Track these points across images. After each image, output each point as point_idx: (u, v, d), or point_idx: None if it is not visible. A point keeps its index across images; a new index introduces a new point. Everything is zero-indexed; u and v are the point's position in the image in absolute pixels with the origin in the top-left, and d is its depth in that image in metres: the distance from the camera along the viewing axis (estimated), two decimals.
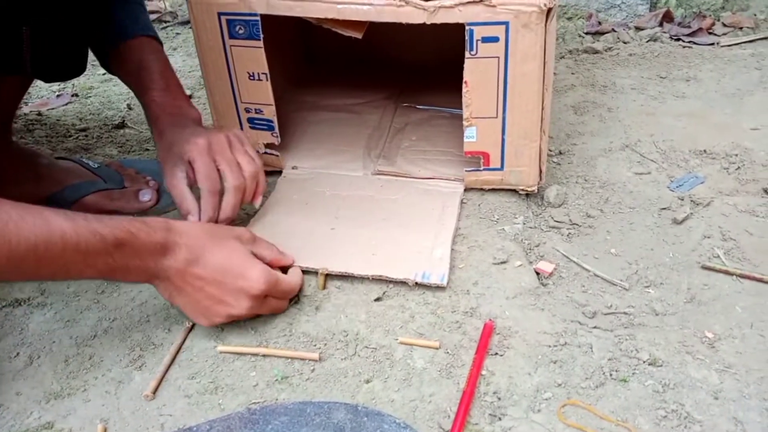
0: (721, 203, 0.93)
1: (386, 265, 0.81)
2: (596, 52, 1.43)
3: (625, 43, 1.47)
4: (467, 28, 0.84)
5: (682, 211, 0.91)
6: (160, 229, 0.67)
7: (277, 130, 0.98)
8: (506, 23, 0.84)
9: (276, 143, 1.00)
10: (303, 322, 0.75)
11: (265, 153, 1.01)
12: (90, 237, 0.62)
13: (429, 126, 1.12)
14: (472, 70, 0.87)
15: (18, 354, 0.73)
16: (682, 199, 0.94)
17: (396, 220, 0.91)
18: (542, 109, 0.89)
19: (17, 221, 0.58)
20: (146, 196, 0.95)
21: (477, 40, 0.85)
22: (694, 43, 1.45)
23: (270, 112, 0.97)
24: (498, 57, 0.86)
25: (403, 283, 0.79)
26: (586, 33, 1.51)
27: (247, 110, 0.98)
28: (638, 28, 1.50)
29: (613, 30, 1.50)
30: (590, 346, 0.70)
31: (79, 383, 0.69)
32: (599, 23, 1.52)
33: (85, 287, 0.82)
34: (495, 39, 0.85)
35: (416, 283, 0.78)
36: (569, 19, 1.57)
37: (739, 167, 1.01)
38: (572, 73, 1.35)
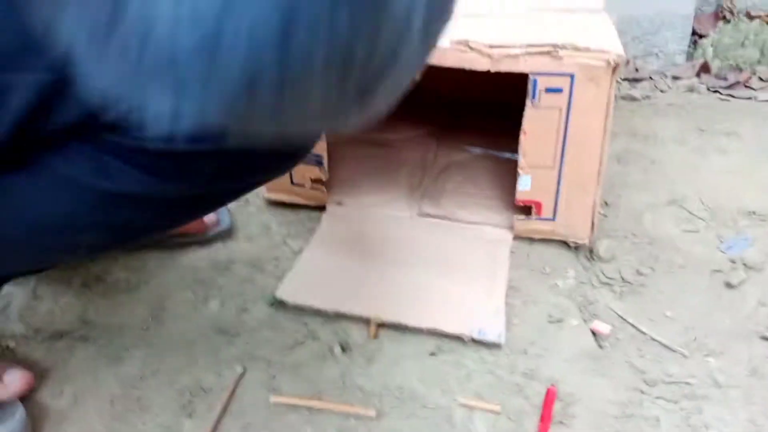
0: None
1: (440, 317, 0.79)
2: (634, 99, 1.42)
3: (662, 91, 1.46)
4: (531, 78, 0.83)
5: (735, 276, 0.89)
6: None
7: (325, 165, 0.97)
8: (572, 75, 0.83)
9: (324, 178, 0.98)
10: (356, 375, 0.73)
11: (312, 188, 0.99)
12: None
13: (473, 167, 1.11)
14: (532, 119, 0.86)
15: (62, 392, 0.70)
16: (734, 262, 0.93)
17: (446, 267, 0.89)
18: (600, 163, 0.88)
19: None
20: (211, 219, 0.93)
21: (540, 91, 0.84)
22: (732, 96, 1.44)
23: (320, 147, 0.95)
24: (560, 108, 0.85)
25: (457, 337, 0.77)
26: (624, 79, 1.51)
27: None
28: (675, 78, 1.49)
29: (651, 78, 1.50)
30: (657, 419, 0.68)
31: (128, 429, 0.66)
32: (637, 70, 1.51)
33: (129, 321, 0.79)
34: (558, 90, 0.84)
35: (472, 339, 0.76)
36: None
37: None
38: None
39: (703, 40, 1.56)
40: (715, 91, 1.46)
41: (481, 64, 0.83)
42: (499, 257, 0.91)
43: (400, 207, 1.01)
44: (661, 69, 1.53)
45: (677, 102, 1.42)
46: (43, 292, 0.83)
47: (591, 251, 0.94)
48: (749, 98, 1.44)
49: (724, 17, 1.59)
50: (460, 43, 0.83)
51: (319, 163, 0.97)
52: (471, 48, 0.83)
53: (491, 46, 0.83)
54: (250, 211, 1.02)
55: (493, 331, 0.77)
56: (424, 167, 1.11)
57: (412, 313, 0.79)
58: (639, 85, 1.50)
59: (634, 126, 1.31)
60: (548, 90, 0.84)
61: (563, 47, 0.82)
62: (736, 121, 1.34)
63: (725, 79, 1.49)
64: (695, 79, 1.49)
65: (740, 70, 1.52)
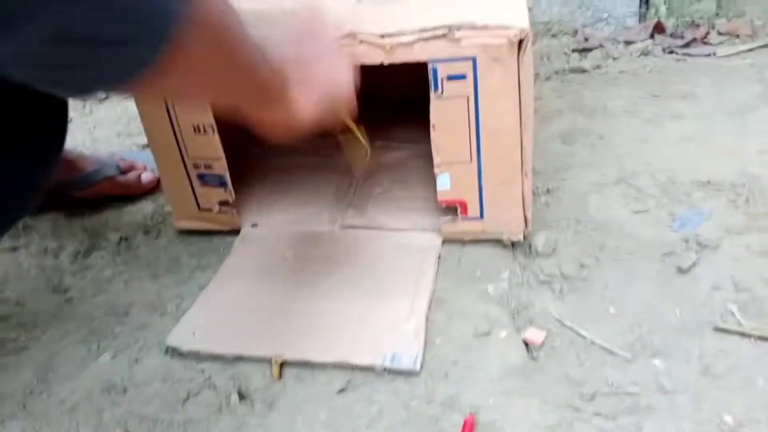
0: (730, 244, 0.82)
1: (350, 348, 0.70)
2: (584, 71, 1.33)
3: (614, 59, 1.37)
4: (430, 66, 0.75)
5: (687, 257, 0.80)
6: None
7: (230, 185, 0.88)
8: (473, 59, 0.74)
9: (230, 200, 0.90)
10: (254, 426, 0.64)
11: (221, 212, 0.91)
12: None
13: (405, 168, 1.02)
14: (438, 111, 0.77)
15: None
16: (687, 241, 0.83)
17: (367, 285, 0.80)
18: (522, 149, 0.79)
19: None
20: (147, 178, 1.05)
21: (441, 79, 0.75)
22: (689, 54, 1.34)
23: (220, 166, 0.87)
24: (467, 96, 0.76)
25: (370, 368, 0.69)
26: (573, 50, 1.41)
27: (196, 165, 0.89)
28: (628, 42, 1.40)
29: (602, 46, 1.40)
30: None
31: None
32: (586, 39, 1.42)
33: (11, 388, 0.72)
34: (462, 77, 0.75)
35: (384, 368, 0.68)
36: (554, 36, 1.47)
37: (748, 199, 0.90)
38: (559, 97, 1.25)
39: None
40: (671, 52, 1.37)
41: (373, 57, 0.75)
42: (424, 267, 0.82)
43: (323, 221, 0.93)
44: (613, 35, 1.44)
45: (630, 69, 1.32)
46: None
47: (530, 247, 0.85)
48: (708, 55, 1.34)
49: None
50: (348, 36, 0.74)
51: (223, 184, 0.89)
52: (361, 41, 0.74)
53: (382, 36, 0.74)
54: (160, 244, 0.94)
55: (409, 355, 0.69)
56: (352, 173, 1.02)
57: (319, 347, 0.71)
58: (590, 54, 1.41)
59: (582, 100, 1.22)
60: (450, 77, 0.75)
61: (459, 28, 0.73)
62: (694, 82, 1.24)
63: (682, 37, 1.40)
64: (649, 41, 1.40)
65: (697, 26, 1.42)
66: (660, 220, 0.89)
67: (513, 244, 0.86)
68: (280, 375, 0.69)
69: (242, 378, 0.69)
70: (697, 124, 1.10)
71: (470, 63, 0.74)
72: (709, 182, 0.94)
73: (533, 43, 1.46)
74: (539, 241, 0.85)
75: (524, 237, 0.85)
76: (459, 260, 0.84)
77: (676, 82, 1.24)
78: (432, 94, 0.76)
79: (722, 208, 0.89)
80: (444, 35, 0.73)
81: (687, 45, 1.36)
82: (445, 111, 0.77)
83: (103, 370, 0.73)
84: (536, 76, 1.36)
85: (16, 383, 0.72)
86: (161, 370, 0.71)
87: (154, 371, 0.71)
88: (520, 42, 0.73)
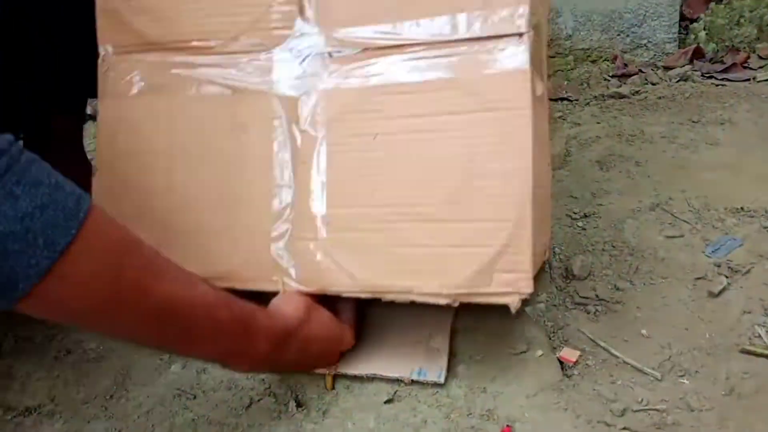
0: (762, 270, 0.86)
1: (385, 361, 0.77)
2: (623, 96, 1.37)
3: (653, 84, 1.40)
4: None
5: (718, 282, 0.84)
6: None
7: None
8: None
9: None
10: (308, 431, 0.71)
11: None
12: (225, 311, 0.62)
13: None
14: None
15: None
16: (719, 266, 0.87)
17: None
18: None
19: (172, 271, 0.59)
20: None
21: None
22: (728, 80, 1.37)
23: None
24: None
25: (415, 381, 0.75)
26: (612, 76, 1.45)
27: None
28: (667, 68, 1.43)
29: (641, 71, 1.44)
30: None
31: None
32: (625, 65, 1.46)
33: (93, 392, 0.80)
34: None
35: (412, 381, 0.74)
36: (594, 62, 1.52)
37: None
38: (597, 123, 1.29)
39: (695, 24, 1.49)
40: (710, 77, 1.40)
41: None
42: None
43: None
44: (652, 61, 1.48)
45: (668, 94, 1.36)
46: (17, 370, 0.85)
47: (566, 270, 0.90)
48: (747, 80, 1.37)
49: None
50: None
51: None
52: None
53: None
54: None
55: (434, 369, 0.75)
56: None
57: (363, 362, 0.77)
58: (629, 80, 1.44)
59: (621, 126, 1.27)
60: None
61: None
62: (731, 108, 1.27)
63: (722, 62, 1.42)
64: (688, 67, 1.43)
65: (737, 50, 1.44)
66: (693, 245, 0.93)
67: (550, 267, 0.91)
68: (333, 386, 0.76)
69: (299, 387, 0.76)
70: (733, 150, 1.13)
71: None
72: (742, 209, 0.97)
73: (573, 69, 1.51)
74: (575, 264, 0.90)
75: (548, 261, 0.90)
76: None
77: (714, 108, 1.28)
78: None
79: (755, 235, 0.92)
80: None
81: (726, 70, 1.39)
82: None
83: (175, 378, 0.81)
84: (576, 101, 1.41)
85: (98, 388, 0.81)
86: (226, 379, 0.79)
87: (219, 380, 0.79)
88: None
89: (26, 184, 0.48)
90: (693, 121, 1.25)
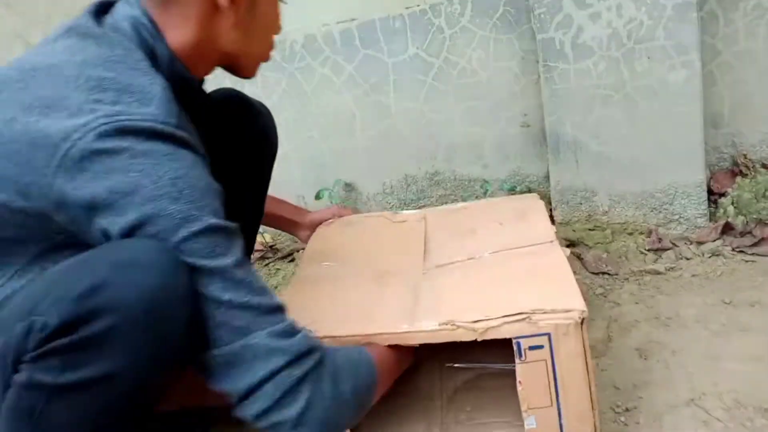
0: None
1: None
2: (658, 273, 1.50)
3: (687, 259, 1.53)
4: (514, 341, 0.97)
5: None
6: None
7: None
8: (548, 334, 0.96)
9: None
10: None
11: None
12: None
13: (479, 390, 1.18)
14: (524, 372, 0.98)
15: None
16: None
17: None
18: (591, 395, 0.98)
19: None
20: None
21: (524, 349, 0.97)
22: (758, 254, 1.48)
23: None
24: (545, 360, 0.97)
25: None
26: (648, 250, 1.59)
27: None
28: (699, 243, 1.56)
29: (674, 245, 1.57)
30: None
31: None
32: (659, 240, 1.59)
33: None
34: (540, 347, 0.97)
35: None
36: (630, 234, 1.66)
37: None
38: (636, 303, 1.42)
39: (723, 199, 1.62)
40: (741, 251, 1.52)
41: (467, 336, 0.98)
42: None
43: None
44: (685, 234, 1.61)
45: (701, 271, 1.48)
46: None
47: None
48: None
49: (740, 172, 1.65)
50: (446, 323, 0.99)
51: None
52: (457, 326, 0.98)
53: (474, 322, 0.98)
54: None
55: None
56: (434, 398, 1.18)
57: None
58: (664, 254, 1.57)
59: (658, 307, 1.39)
60: (531, 348, 0.97)
61: (535, 313, 0.96)
62: (761, 288, 1.38)
63: (751, 234, 1.54)
64: (719, 241, 1.55)
65: (766, 224, 1.56)
66: None
67: None
68: None
69: None
70: (763, 338, 1.24)
71: (546, 337, 0.96)
72: None
73: (612, 241, 1.65)
74: None
75: None
76: None
77: (745, 288, 1.39)
78: (517, 360, 0.98)
79: None
80: (524, 319, 0.96)
81: (756, 244, 1.51)
82: (529, 372, 0.98)
83: None
84: (615, 276, 1.54)
85: None
86: None
87: None
88: (582, 320, 0.94)
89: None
90: (725, 302, 1.36)
